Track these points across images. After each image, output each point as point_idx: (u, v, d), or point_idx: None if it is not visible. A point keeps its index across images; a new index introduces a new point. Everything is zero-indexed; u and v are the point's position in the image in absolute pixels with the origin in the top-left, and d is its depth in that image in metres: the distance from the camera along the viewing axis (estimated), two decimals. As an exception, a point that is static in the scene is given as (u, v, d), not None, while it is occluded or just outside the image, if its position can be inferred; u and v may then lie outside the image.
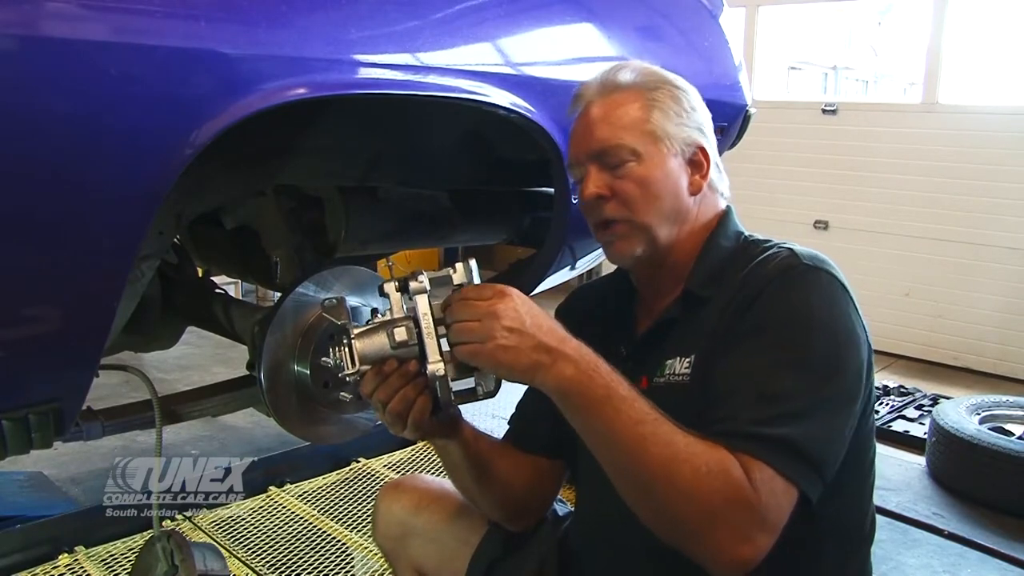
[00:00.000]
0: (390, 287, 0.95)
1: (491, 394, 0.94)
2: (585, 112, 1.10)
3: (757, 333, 0.95)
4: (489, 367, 0.90)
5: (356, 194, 1.74)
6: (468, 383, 0.94)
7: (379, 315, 0.96)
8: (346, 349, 0.94)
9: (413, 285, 0.94)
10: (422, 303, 0.93)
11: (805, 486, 0.88)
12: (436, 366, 0.91)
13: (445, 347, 0.93)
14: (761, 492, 0.85)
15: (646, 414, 0.88)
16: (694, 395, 0.99)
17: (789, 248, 1.03)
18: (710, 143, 1.11)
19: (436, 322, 0.93)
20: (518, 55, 1.47)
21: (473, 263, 0.96)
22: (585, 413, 0.89)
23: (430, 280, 0.95)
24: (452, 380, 0.93)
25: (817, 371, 0.92)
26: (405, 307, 0.95)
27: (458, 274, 0.95)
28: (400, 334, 0.93)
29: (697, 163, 1.10)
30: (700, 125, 1.10)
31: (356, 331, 0.95)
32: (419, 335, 0.93)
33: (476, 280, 0.95)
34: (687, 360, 1.03)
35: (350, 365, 0.94)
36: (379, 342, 0.94)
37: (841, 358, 0.94)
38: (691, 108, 1.10)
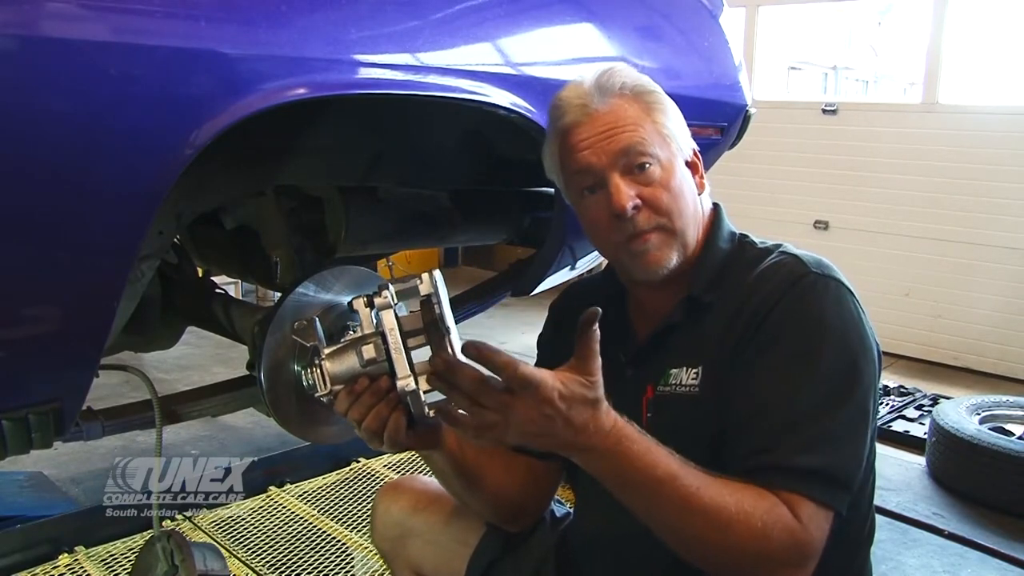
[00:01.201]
0: (358, 303, 0.94)
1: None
2: (590, 118, 1.04)
3: (774, 353, 0.95)
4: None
5: (356, 194, 1.74)
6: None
7: (351, 332, 0.95)
8: (318, 370, 0.94)
9: (378, 301, 0.92)
10: (387, 319, 0.91)
11: (840, 507, 0.91)
12: (406, 381, 0.90)
13: (416, 359, 0.91)
14: (810, 527, 0.88)
15: (690, 486, 0.87)
16: (704, 407, 0.99)
17: (792, 254, 1.02)
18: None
19: (405, 335, 0.91)
20: (518, 55, 1.47)
21: (437, 273, 0.93)
22: (626, 496, 0.89)
23: (397, 292, 0.94)
24: (425, 393, 0.91)
25: (838, 388, 0.93)
26: (375, 322, 0.94)
27: (424, 284, 0.93)
28: (368, 351, 0.92)
29: (693, 164, 1.10)
30: (686, 129, 1.10)
31: (326, 351, 0.95)
32: (387, 351, 0.91)
33: (442, 291, 0.93)
34: (694, 371, 1.02)
35: (322, 386, 0.94)
36: (349, 361, 0.93)
37: (858, 370, 0.94)
38: (676, 114, 1.09)
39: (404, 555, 1.29)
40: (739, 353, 0.97)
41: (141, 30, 0.97)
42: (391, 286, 0.94)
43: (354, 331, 0.95)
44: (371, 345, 0.92)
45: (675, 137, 1.06)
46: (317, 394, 0.95)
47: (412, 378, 0.90)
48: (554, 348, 1.22)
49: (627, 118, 1.03)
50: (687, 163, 1.08)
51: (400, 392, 0.91)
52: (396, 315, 0.91)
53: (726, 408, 0.97)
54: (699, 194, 1.09)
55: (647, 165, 1.02)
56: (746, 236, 1.11)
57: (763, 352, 0.95)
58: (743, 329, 0.98)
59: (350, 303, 0.96)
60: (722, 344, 0.99)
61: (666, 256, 1.04)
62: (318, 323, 0.99)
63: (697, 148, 1.11)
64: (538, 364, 1.26)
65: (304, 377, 0.96)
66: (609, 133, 1.02)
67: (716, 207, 1.13)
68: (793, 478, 0.89)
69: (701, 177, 1.10)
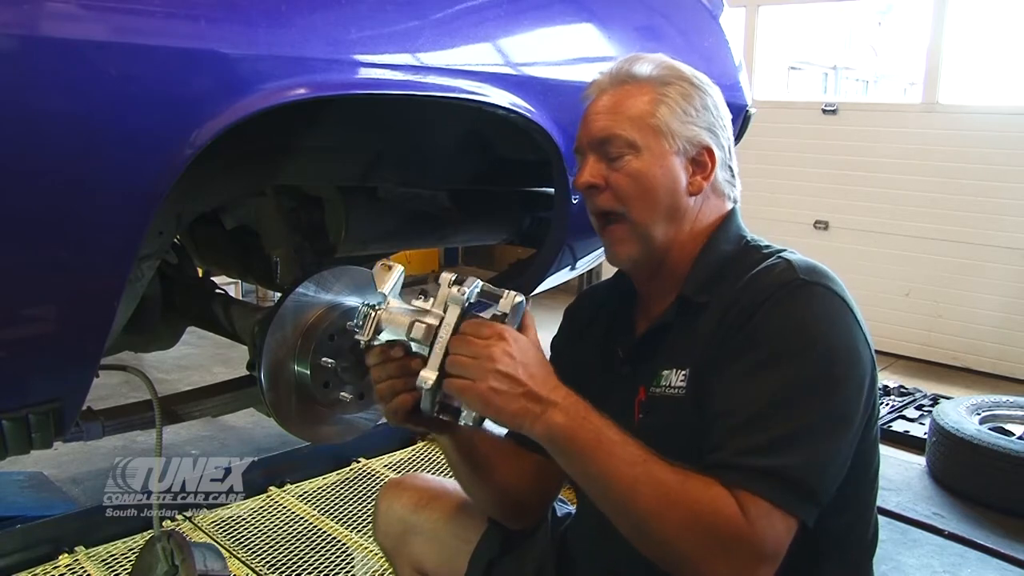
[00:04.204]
0: (444, 277, 0.94)
1: (472, 426, 0.93)
2: (595, 101, 1.09)
3: (750, 354, 0.93)
4: (476, 407, 0.91)
5: (356, 194, 1.74)
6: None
7: (424, 298, 0.96)
8: (373, 315, 0.96)
9: (451, 292, 0.92)
10: (451, 314, 0.92)
11: (801, 514, 0.88)
12: (427, 375, 0.91)
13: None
14: (756, 526, 0.85)
15: (637, 456, 0.89)
16: (689, 410, 0.98)
17: (787, 260, 1.00)
18: (721, 145, 1.09)
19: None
20: (518, 55, 1.47)
21: (521, 299, 0.94)
22: (577, 459, 0.91)
23: (483, 292, 0.94)
24: (439, 398, 0.93)
25: (812, 392, 0.90)
26: (445, 306, 0.94)
27: (504, 303, 0.93)
28: (418, 330, 0.93)
29: (701, 163, 1.07)
30: (711, 125, 1.08)
31: (389, 304, 0.96)
32: (433, 341, 0.92)
33: (518, 320, 0.94)
34: (682, 373, 1.01)
35: (367, 332, 0.96)
36: (401, 325, 0.95)
37: (838, 377, 0.92)
38: (703, 107, 1.07)
39: (406, 552, 1.29)
40: (720, 356, 0.96)
41: (141, 30, 0.98)
42: (481, 285, 0.94)
43: (426, 299, 0.96)
44: (424, 327, 0.93)
45: (675, 134, 1.05)
46: (357, 335, 0.97)
47: (435, 375, 0.91)
48: (570, 350, 1.22)
49: (621, 105, 1.06)
50: (693, 160, 1.07)
51: (417, 382, 0.92)
52: (463, 314, 0.92)
53: (705, 410, 0.96)
54: (692, 193, 1.07)
55: (618, 156, 1.05)
56: (754, 239, 1.09)
57: (739, 355, 0.94)
58: (726, 332, 0.97)
59: (440, 273, 0.96)
60: (708, 347, 0.99)
61: (626, 250, 1.08)
62: (401, 276, 1.00)
63: (712, 149, 1.08)
64: (553, 366, 1.26)
65: (357, 314, 0.97)
66: (598, 118, 1.07)
67: (731, 211, 1.12)
68: (745, 476, 0.87)
69: (704, 178, 1.08)
